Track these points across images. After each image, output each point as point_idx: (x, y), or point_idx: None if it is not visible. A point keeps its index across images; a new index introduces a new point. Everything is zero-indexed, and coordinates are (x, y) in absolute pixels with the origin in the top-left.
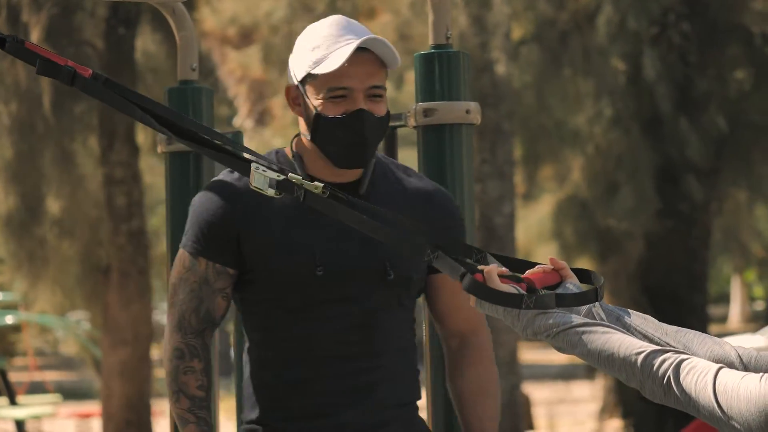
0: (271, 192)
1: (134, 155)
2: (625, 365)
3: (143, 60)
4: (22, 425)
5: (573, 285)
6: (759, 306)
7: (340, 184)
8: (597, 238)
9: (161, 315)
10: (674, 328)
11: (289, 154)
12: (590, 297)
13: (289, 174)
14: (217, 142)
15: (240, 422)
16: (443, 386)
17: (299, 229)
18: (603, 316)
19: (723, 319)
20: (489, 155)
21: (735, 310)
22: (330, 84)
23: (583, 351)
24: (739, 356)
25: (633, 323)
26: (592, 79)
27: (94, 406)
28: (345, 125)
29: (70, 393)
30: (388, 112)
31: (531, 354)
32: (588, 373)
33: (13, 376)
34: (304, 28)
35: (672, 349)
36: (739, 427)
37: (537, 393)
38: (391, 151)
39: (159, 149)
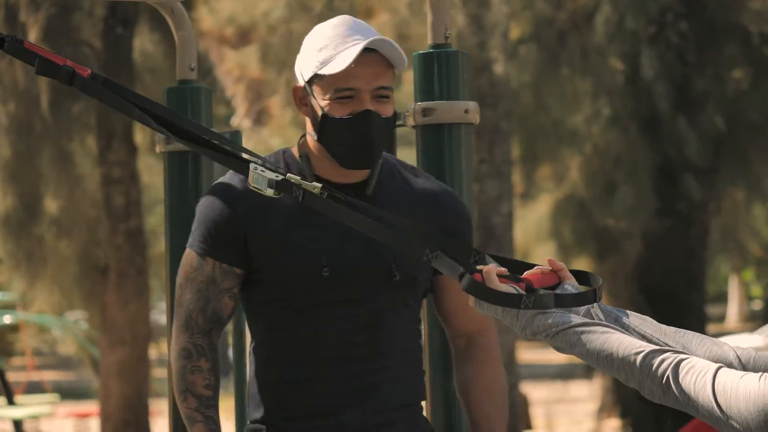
0: (269, 192)
1: (132, 155)
2: (624, 365)
3: (141, 60)
4: (20, 425)
5: (571, 286)
6: (757, 305)
7: (347, 185)
8: (595, 237)
9: (159, 315)
10: (673, 329)
11: (296, 154)
12: (589, 298)
13: (288, 174)
14: (215, 142)
15: (238, 421)
16: (443, 386)
17: (306, 230)
18: (601, 316)
19: (721, 318)
20: (487, 155)
21: (733, 310)
22: (337, 84)
23: (582, 351)
24: (738, 356)
25: (631, 324)
26: (590, 79)
27: (92, 406)
28: (352, 126)
29: (68, 393)
30: (395, 112)
31: (529, 354)
32: (586, 372)
33: (11, 376)
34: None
35: (671, 349)
36: (738, 426)
37: (535, 393)
38: (390, 150)
39: (158, 149)
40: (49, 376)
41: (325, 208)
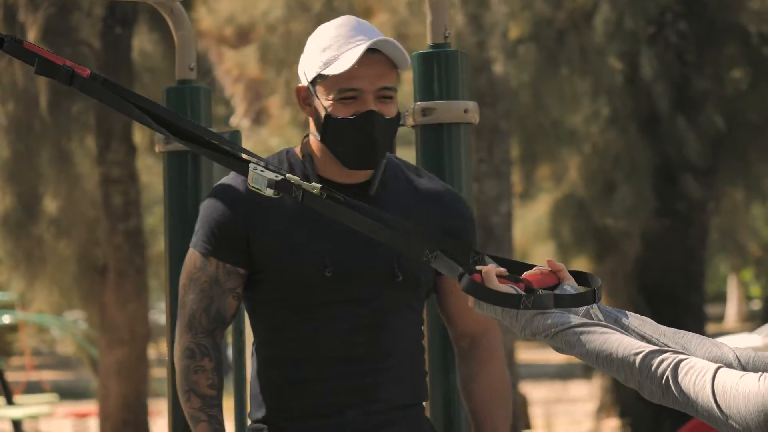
0: (269, 192)
1: (131, 155)
2: (624, 365)
3: (140, 60)
4: (19, 425)
5: (570, 287)
6: (756, 305)
7: (351, 185)
8: (594, 237)
9: (158, 315)
10: (672, 330)
11: (299, 154)
12: (588, 298)
13: (287, 174)
14: (215, 142)
15: (238, 421)
16: (443, 386)
17: (308, 230)
18: (601, 317)
19: (720, 318)
20: (486, 155)
21: (732, 310)
22: (340, 85)
23: (581, 351)
24: (737, 357)
25: (631, 325)
26: (589, 79)
27: (91, 406)
28: (355, 126)
29: (67, 393)
30: (398, 113)
31: (528, 353)
32: (585, 372)
33: (10, 376)
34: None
35: (670, 349)
36: (737, 426)
37: (534, 392)
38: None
39: (157, 149)
40: (48, 375)
41: (324, 208)
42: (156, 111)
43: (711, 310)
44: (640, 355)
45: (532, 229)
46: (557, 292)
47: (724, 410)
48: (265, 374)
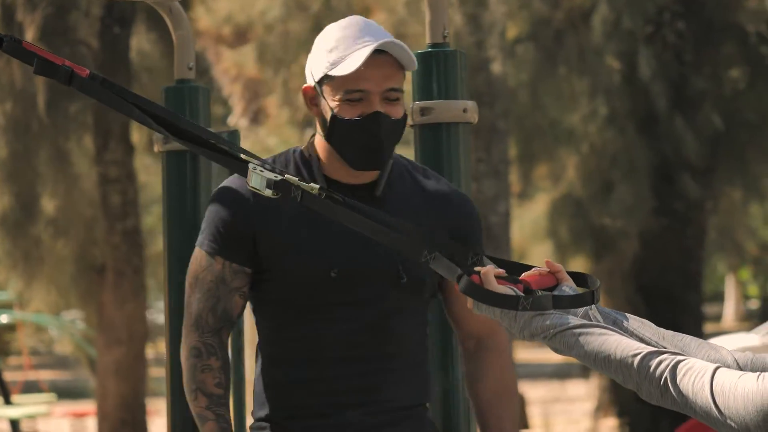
0: (268, 192)
1: (129, 154)
2: (622, 367)
3: (138, 59)
4: (17, 425)
5: (569, 288)
6: (753, 305)
7: (357, 185)
8: (592, 236)
9: (156, 314)
10: (671, 332)
11: (306, 154)
12: (587, 299)
13: (286, 175)
14: (213, 142)
15: (237, 420)
16: (443, 385)
17: (315, 231)
18: (600, 318)
19: (717, 317)
20: (484, 154)
21: (729, 309)
22: (347, 86)
23: (579, 352)
24: (736, 360)
25: (630, 327)
26: (587, 78)
27: (89, 406)
28: (361, 128)
29: (65, 392)
30: (405, 114)
31: (526, 353)
32: (583, 372)
33: (8, 376)
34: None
35: (668, 350)
36: (736, 426)
37: (532, 392)
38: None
39: (156, 148)
40: (45, 375)
41: (323, 208)
42: (155, 111)
43: (709, 309)
44: (639, 357)
45: (530, 229)
46: (556, 293)
47: (722, 410)
48: (268, 373)
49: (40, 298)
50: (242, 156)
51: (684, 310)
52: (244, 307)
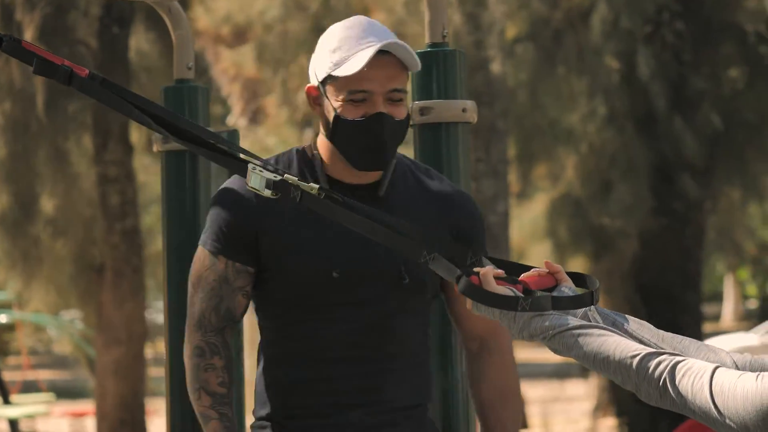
0: (267, 192)
1: (128, 154)
2: (621, 368)
3: (137, 59)
4: (16, 424)
5: (568, 288)
6: (752, 304)
7: (360, 185)
8: (591, 236)
9: (155, 314)
10: (670, 334)
11: (309, 154)
12: (586, 300)
13: (285, 175)
14: (212, 142)
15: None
16: (440, 383)
17: (317, 231)
18: (599, 320)
19: (716, 317)
20: (483, 154)
21: (728, 309)
22: (350, 87)
23: (578, 353)
24: (734, 362)
25: (629, 328)
26: (586, 78)
27: (87, 405)
28: (364, 128)
29: (64, 392)
30: (408, 114)
31: (525, 352)
32: (582, 371)
33: (7, 375)
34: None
35: (667, 351)
36: (735, 427)
37: (531, 391)
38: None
39: (155, 148)
40: (44, 375)
41: (322, 208)
42: (154, 111)
43: (707, 309)
44: (637, 358)
45: (529, 229)
46: (555, 294)
47: (722, 411)
48: (270, 372)
49: (39, 297)
50: (241, 156)
51: (683, 310)
52: (247, 306)
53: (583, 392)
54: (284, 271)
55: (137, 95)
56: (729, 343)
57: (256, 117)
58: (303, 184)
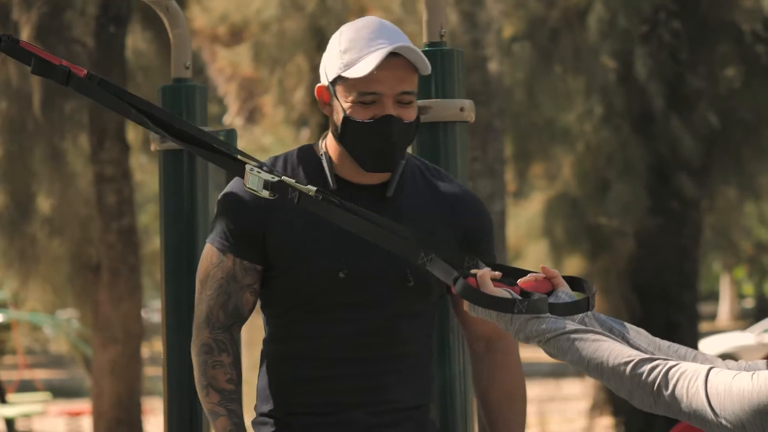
0: (265, 193)
1: (125, 153)
2: (614, 374)
3: (134, 58)
4: (12, 423)
5: (565, 294)
6: (748, 304)
7: (368, 186)
8: (587, 235)
9: (151, 313)
10: (667, 343)
11: (318, 152)
12: (582, 306)
13: (283, 177)
14: (210, 142)
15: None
16: (438, 379)
17: (325, 231)
18: (596, 325)
19: (712, 316)
20: (480, 153)
21: (724, 308)
22: (360, 88)
23: (573, 358)
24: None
25: (626, 335)
26: (582, 77)
27: (84, 405)
28: (373, 130)
29: (60, 391)
30: (418, 116)
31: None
32: (578, 371)
33: (3, 375)
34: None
35: (660, 357)
36: (731, 427)
37: (528, 391)
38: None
39: (152, 147)
40: (41, 374)
41: (320, 210)
42: (152, 112)
43: (704, 308)
44: (631, 364)
45: (526, 228)
46: (552, 299)
47: (718, 412)
48: (273, 369)
49: (36, 297)
50: (239, 157)
51: (679, 309)
52: (255, 303)
53: (579, 391)
54: (291, 271)
55: (135, 96)
56: (725, 342)
57: (252, 116)
58: (301, 186)
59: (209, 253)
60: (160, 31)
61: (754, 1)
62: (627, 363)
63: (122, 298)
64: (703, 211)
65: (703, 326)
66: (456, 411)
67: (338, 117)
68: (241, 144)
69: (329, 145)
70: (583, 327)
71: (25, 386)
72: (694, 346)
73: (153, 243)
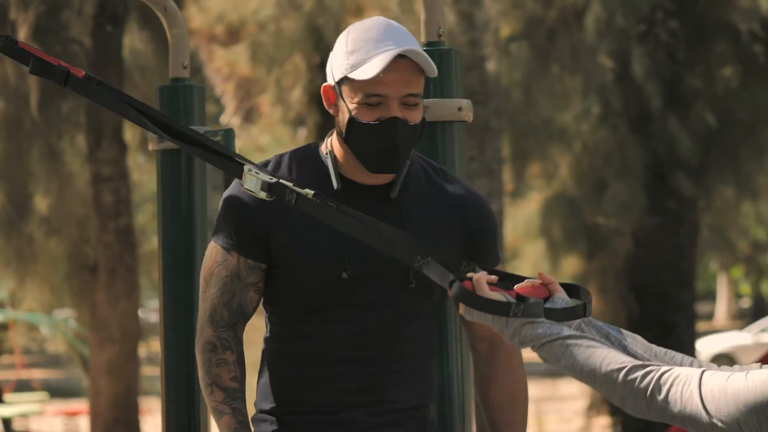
0: (262, 195)
1: (122, 153)
2: (607, 381)
3: (131, 58)
4: (9, 423)
5: (561, 300)
6: (745, 303)
7: (373, 186)
8: (585, 235)
9: (149, 313)
10: (663, 349)
11: (324, 151)
12: (578, 312)
13: (281, 179)
14: (208, 144)
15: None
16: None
17: (329, 231)
18: (593, 332)
19: (709, 316)
20: (477, 152)
21: (721, 308)
22: (366, 90)
23: (567, 364)
24: None
25: (622, 342)
26: (580, 77)
27: (81, 404)
28: (378, 132)
29: (58, 391)
30: (423, 118)
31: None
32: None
33: (0, 374)
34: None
35: (653, 363)
36: (726, 428)
37: None
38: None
39: (150, 147)
40: (38, 374)
41: (316, 212)
42: (150, 113)
43: (701, 308)
44: (624, 370)
45: (523, 228)
46: (548, 304)
47: (713, 414)
48: (273, 367)
49: (33, 296)
50: (237, 158)
51: (676, 309)
52: (259, 301)
53: (576, 391)
54: (294, 270)
55: (133, 98)
56: (722, 341)
57: (249, 116)
58: (298, 189)
59: (213, 252)
60: (157, 30)
61: (751, 0)
62: (620, 369)
63: (119, 298)
64: (700, 210)
65: (700, 326)
66: (454, 410)
67: (344, 117)
68: (239, 143)
69: (334, 144)
70: (578, 333)
71: (22, 386)
72: (692, 346)
73: (150, 243)
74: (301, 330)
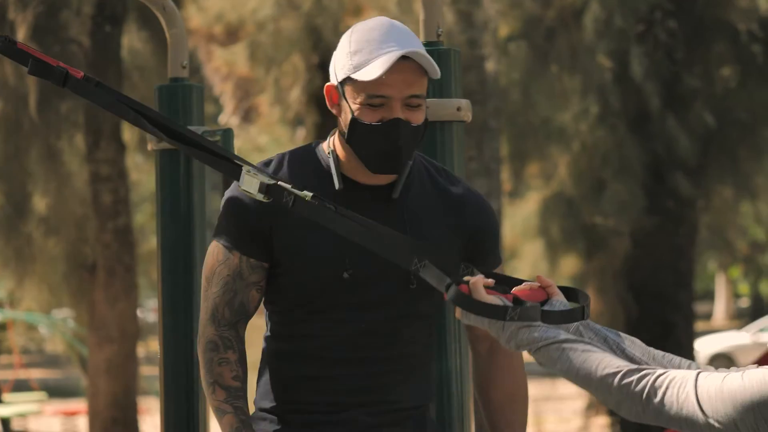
0: (260, 196)
1: (120, 152)
2: (602, 385)
3: (130, 58)
4: (8, 423)
5: (559, 303)
6: (743, 303)
7: (374, 186)
8: (583, 235)
9: (147, 313)
10: (661, 353)
11: (326, 151)
12: (576, 315)
13: (279, 181)
14: (207, 145)
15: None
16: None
17: (329, 232)
18: (591, 335)
19: (707, 316)
20: (476, 152)
21: (720, 308)
22: (368, 91)
23: (563, 367)
24: None
25: (621, 345)
26: (578, 77)
27: (80, 404)
28: (380, 133)
29: (56, 391)
30: (426, 119)
31: None
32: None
33: None
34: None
35: (648, 366)
36: (722, 428)
37: None
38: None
39: (149, 147)
40: (36, 374)
41: (314, 214)
42: (149, 114)
43: (699, 307)
44: (619, 374)
45: (522, 227)
46: (546, 307)
47: (709, 415)
48: (273, 366)
49: (32, 296)
50: (235, 160)
51: (675, 308)
52: (260, 300)
53: (574, 391)
54: (295, 270)
55: (131, 99)
56: (721, 341)
57: (248, 116)
58: (296, 191)
59: (215, 251)
60: (156, 30)
61: (750, 0)
62: (615, 373)
63: (118, 298)
64: (698, 210)
65: (699, 326)
66: (453, 409)
67: (346, 118)
68: (237, 143)
69: (336, 144)
70: (574, 337)
71: (21, 386)
72: (690, 346)
73: (149, 242)
74: (302, 329)
